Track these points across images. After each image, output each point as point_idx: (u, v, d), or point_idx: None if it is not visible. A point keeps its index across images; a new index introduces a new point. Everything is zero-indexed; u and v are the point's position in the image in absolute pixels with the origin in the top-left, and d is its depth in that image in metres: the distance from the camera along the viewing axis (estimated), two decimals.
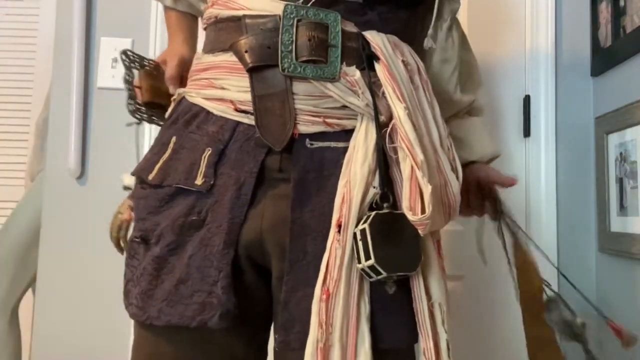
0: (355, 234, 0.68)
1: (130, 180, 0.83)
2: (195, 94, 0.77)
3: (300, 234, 0.70)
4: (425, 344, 0.71)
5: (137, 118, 0.96)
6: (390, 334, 0.70)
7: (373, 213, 0.68)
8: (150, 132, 1.43)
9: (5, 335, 1.63)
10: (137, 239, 0.75)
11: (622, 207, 1.27)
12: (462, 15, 1.49)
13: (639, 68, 1.23)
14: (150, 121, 0.97)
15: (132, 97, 0.94)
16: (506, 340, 1.42)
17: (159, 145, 0.78)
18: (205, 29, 0.82)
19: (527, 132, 1.45)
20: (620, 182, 1.29)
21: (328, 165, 0.72)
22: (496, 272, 1.43)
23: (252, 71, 0.72)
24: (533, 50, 1.46)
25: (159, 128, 0.86)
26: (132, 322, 1.37)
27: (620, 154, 1.29)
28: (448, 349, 0.72)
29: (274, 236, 0.71)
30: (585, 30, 1.47)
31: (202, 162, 0.72)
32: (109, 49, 1.45)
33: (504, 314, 1.42)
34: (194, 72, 0.81)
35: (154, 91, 0.93)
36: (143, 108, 0.95)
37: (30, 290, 1.71)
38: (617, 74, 1.33)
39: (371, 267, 0.66)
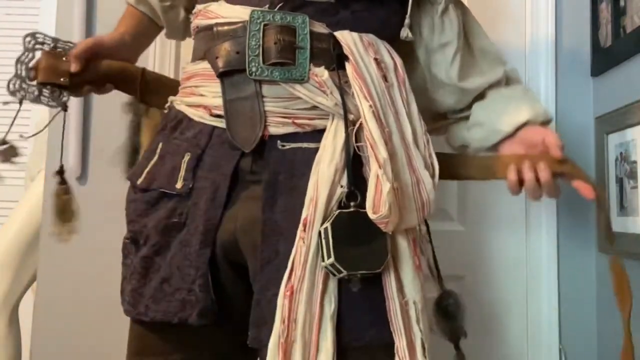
0: (319, 232, 0.69)
1: None
2: (180, 101, 0.82)
3: (271, 234, 0.73)
4: (398, 342, 0.71)
5: (16, 97, 0.98)
6: (354, 332, 0.70)
7: (337, 212, 0.70)
8: None
9: (5, 335, 1.63)
10: (128, 240, 0.82)
11: (622, 207, 1.27)
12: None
13: (639, 68, 1.23)
14: (36, 100, 0.97)
15: (18, 76, 0.96)
16: (506, 340, 1.42)
17: (149, 151, 0.83)
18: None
19: None
20: (620, 182, 1.29)
21: (299, 166, 0.73)
22: (496, 272, 1.43)
23: (223, 76, 0.75)
24: (533, 50, 1.46)
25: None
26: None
27: (620, 154, 1.29)
28: (423, 347, 0.73)
29: (247, 237, 0.74)
30: (585, 30, 1.47)
31: (182, 166, 0.77)
32: None
33: (504, 314, 1.43)
34: (182, 81, 0.85)
35: (49, 70, 0.92)
36: (30, 87, 0.97)
37: (30, 290, 1.71)
38: (617, 74, 1.33)
39: (332, 265, 0.68)
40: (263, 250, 0.72)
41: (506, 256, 1.44)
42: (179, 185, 0.76)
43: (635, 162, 1.22)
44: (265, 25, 0.74)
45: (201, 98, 0.78)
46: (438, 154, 0.80)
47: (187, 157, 0.76)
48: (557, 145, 0.90)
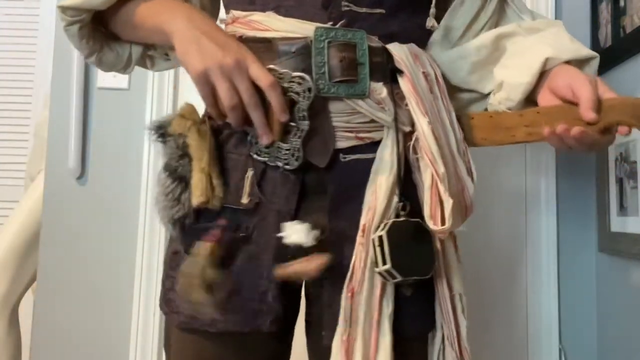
0: (373, 240, 0.72)
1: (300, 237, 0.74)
2: None
3: (337, 241, 0.76)
4: (448, 331, 0.80)
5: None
6: (408, 326, 0.77)
7: (390, 221, 0.73)
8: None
9: (5, 335, 1.63)
10: (176, 253, 0.79)
11: (622, 207, 1.27)
12: None
13: (639, 68, 1.23)
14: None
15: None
16: (506, 340, 1.42)
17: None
18: None
19: None
20: (620, 182, 1.29)
21: (359, 175, 0.76)
22: (496, 272, 1.43)
23: None
24: None
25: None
26: (131, 322, 1.38)
27: (620, 154, 1.29)
28: (464, 335, 0.84)
29: (315, 246, 0.75)
30: (585, 30, 1.47)
31: (245, 181, 0.76)
32: None
33: (504, 314, 1.43)
34: None
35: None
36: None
37: (30, 290, 1.71)
38: (617, 74, 1.33)
39: (387, 271, 0.71)
40: (331, 256, 0.74)
41: (506, 256, 1.44)
42: (245, 200, 0.75)
43: (635, 162, 1.22)
44: (329, 42, 0.74)
45: None
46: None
47: (250, 173, 0.76)
48: (588, 99, 0.73)
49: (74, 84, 1.42)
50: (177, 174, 0.76)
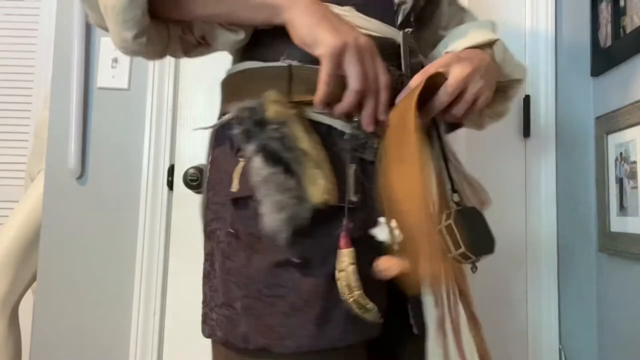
0: (441, 229, 0.73)
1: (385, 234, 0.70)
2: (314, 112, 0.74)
3: None
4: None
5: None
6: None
7: (453, 210, 0.76)
8: (150, 131, 1.43)
9: (5, 335, 1.63)
10: (282, 265, 0.68)
11: (622, 207, 1.27)
12: None
13: (639, 68, 1.23)
14: None
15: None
16: (506, 340, 1.42)
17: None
18: None
19: (527, 132, 1.45)
20: (620, 182, 1.29)
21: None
22: (496, 272, 1.43)
23: None
24: (533, 50, 1.46)
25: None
26: (131, 322, 1.38)
27: (620, 154, 1.29)
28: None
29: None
30: (585, 30, 1.47)
31: (349, 178, 0.71)
32: (109, 49, 1.45)
33: (504, 314, 1.43)
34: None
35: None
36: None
37: (30, 290, 1.71)
38: (617, 74, 1.33)
39: (462, 254, 0.76)
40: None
41: (506, 256, 1.44)
42: (354, 197, 0.70)
43: (635, 162, 1.22)
44: (408, 47, 0.78)
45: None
46: None
47: (352, 168, 0.71)
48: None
49: (74, 84, 1.42)
50: (289, 168, 0.66)
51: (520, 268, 1.43)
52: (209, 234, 0.76)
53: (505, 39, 1.47)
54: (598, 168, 1.39)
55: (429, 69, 0.73)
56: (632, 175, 1.23)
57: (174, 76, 1.46)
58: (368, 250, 0.68)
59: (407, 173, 0.67)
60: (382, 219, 0.70)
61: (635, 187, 1.22)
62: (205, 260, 0.76)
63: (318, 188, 0.66)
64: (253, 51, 0.77)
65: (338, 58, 0.65)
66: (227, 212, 0.71)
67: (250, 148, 0.67)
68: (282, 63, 0.72)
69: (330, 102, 0.68)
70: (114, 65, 1.45)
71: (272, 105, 0.68)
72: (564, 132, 1.45)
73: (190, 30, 0.79)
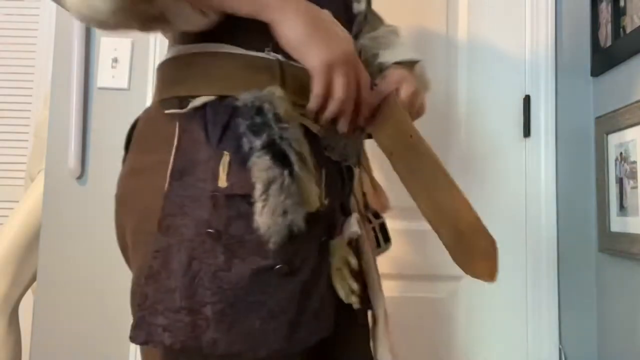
0: (374, 227, 0.89)
1: None
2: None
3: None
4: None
5: None
6: None
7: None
8: None
9: (5, 335, 1.63)
10: (270, 271, 0.66)
11: (622, 207, 1.27)
12: (462, 16, 1.50)
13: (639, 68, 1.23)
14: None
15: None
16: (507, 340, 1.42)
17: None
18: None
19: (527, 132, 1.45)
20: (620, 182, 1.29)
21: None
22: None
23: None
24: (533, 50, 1.46)
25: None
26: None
27: (620, 154, 1.29)
28: None
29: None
30: (585, 30, 1.47)
31: (322, 182, 0.73)
32: (109, 49, 1.45)
33: (504, 314, 1.43)
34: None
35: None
36: None
37: (30, 290, 1.71)
38: (617, 74, 1.33)
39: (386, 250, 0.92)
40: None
41: (506, 256, 1.44)
42: (326, 201, 0.71)
43: (635, 162, 1.22)
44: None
45: None
46: None
47: (323, 172, 0.74)
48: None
49: (74, 84, 1.42)
50: (292, 171, 0.65)
51: (520, 268, 1.43)
52: (165, 229, 0.66)
53: (506, 39, 1.48)
54: (598, 168, 1.39)
55: (384, 89, 0.81)
56: (632, 175, 1.23)
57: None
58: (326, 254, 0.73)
59: (440, 186, 0.75)
60: (353, 215, 0.76)
61: (635, 187, 1.22)
62: (154, 257, 0.66)
63: (314, 194, 0.66)
64: (227, 33, 0.71)
65: (330, 74, 0.67)
66: (203, 208, 0.65)
67: (257, 143, 0.64)
68: (268, 55, 0.69)
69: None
70: (114, 65, 1.45)
71: (281, 102, 0.66)
72: (564, 132, 1.45)
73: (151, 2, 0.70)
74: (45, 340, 1.40)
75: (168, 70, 0.74)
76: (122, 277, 1.41)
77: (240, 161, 0.65)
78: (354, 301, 0.74)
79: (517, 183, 1.45)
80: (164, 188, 0.67)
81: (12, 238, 1.65)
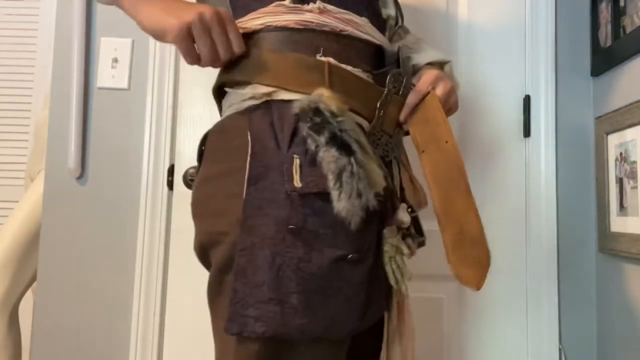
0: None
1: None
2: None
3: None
4: None
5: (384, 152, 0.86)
6: None
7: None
8: (150, 131, 1.43)
9: (5, 335, 1.63)
10: (342, 261, 0.74)
11: (622, 207, 1.27)
12: (463, 16, 1.50)
13: (639, 68, 1.23)
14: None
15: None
16: (507, 340, 1.42)
17: None
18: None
19: (527, 132, 1.45)
20: (620, 182, 1.29)
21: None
22: (496, 272, 1.43)
23: None
24: (533, 50, 1.46)
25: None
26: (131, 322, 1.39)
27: (620, 154, 1.29)
28: None
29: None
30: (585, 30, 1.47)
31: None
32: (109, 49, 1.45)
33: (504, 314, 1.43)
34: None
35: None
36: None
37: (30, 290, 1.71)
38: (617, 74, 1.33)
39: (422, 242, 0.94)
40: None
41: (506, 256, 1.44)
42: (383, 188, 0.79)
43: (635, 162, 1.22)
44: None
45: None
46: None
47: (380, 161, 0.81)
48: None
49: (74, 84, 1.42)
50: (357, 158, 0.74)
51: (520, 268, 1.43)
52: (247, 229, 0.74)
53: (506, 39, 1.48)
54: (598, 168, 1.39)
55: (422, 88, 0.87)
56: (632, 175, 1.23)
57: (174, 76, 1.46)
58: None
59: (460, 194, 0.83)
60: (402, 205, 0.84)
61: (635, 187, 1.22)
62: (240, 255, 0.74)
63: (378, 176, 0.75)
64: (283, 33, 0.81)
65: (186, 38, 0.74)
66: (281, 208, 0.73)
67: (322, 140, 0.73)
68: (320, 58, 0.79)
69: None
70: (114, 65, 1.45)
71: (332, 100, 0.74)
72: (564, 132, 1.45)
73: None
74: (45, 340, 1.40)
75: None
76: (122, 277, 1.41)
77: (310, 161, 0.73)
78: (405, 287, 0.82)
79: (517, 183, 1.45)
80: (237, 191, 0.75)
81: (12, 238, 1.65)
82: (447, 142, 0.84)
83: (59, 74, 1.46)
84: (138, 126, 1.44)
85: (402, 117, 0.86)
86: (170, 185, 1.43)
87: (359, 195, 0.72)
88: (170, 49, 1.46)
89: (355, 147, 0.73)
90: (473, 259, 0.82)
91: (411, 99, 0.86)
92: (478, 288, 0.82)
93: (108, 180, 1.43)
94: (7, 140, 2.41)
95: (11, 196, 2.31)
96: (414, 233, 0.88)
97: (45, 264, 1.42)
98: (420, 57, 0.97)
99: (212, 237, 0.79)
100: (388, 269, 0.79)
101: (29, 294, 1.73)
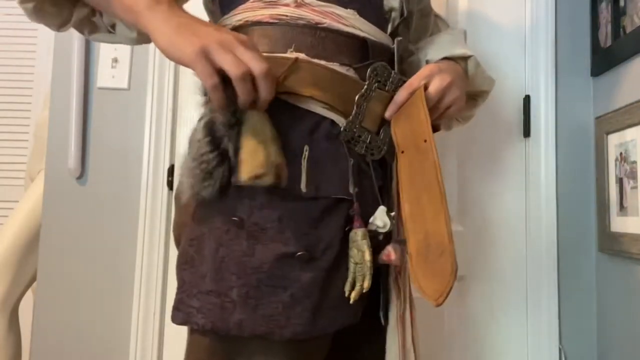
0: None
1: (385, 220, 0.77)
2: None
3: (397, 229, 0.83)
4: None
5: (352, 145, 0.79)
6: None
7: None
8: (150, 131, 1.43)
9: (5, 335, 1.63)
10: (289, 257, 0.70)
11: (622, 207, 1.27)
12: (463, 16, 1.50)
13: (639, 68, 1.23)
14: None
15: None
16: (506, 340, 1.42)
17: (292, 155, 0.74)
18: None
19: (527, 132, 1.45)
20: (620, 182, 1.29)
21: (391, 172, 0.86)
22: (496, 272, 1.43)
23: None
24: (533, 50, 1.46)
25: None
26: (131, 322, 1.38)
27: (620, 154, 1.29)
28: None
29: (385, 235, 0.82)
30: (585, 30, 1.47)
31: (349, 171, 0.76)
32: (109, 49, 1.45)
33: (504, 314, 1.43)
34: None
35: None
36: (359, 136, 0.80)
37: (30, 290, 1.71)
38: (617, 74, 1.33)
39: None
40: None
41: (506, 256, 1.44)
42: (352, 190, 0.75)
43: (635, 162, 1.22)
44: (400, 53, 0.89)
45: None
46: None
47: (351, 162, 0.76)
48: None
49: (74, 84, 1.42)
50: (220, 143, 0.69)
51: (521, 268, 1.43)
52: (200, 220, 0.74)
53: (505, 39, 1.48)
54: (598, 168, 1.39)
55: (414, 83, 0.81)
56: (632, 175, 1.23)
57: (174, 76, 1.46)
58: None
59: (432, 198, 0.76)
60: (380, 207, 0.77)
61: (635, 187, 1.22)
62: (190, 245, 0.74)
63: (253, 162, 0.68)
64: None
65: (206, 60, 0.65)
66: (228, 199, 0.71)
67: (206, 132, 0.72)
68: (290, 55, 0.75)
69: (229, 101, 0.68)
70: (114, 65, 1.45)
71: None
72: (564, 132, 1.45)
73: (100, 15, 0.82)
74: (45, 340, 1.40)
75: None
76: (122, 277, 1.41)
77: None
78: (352, 297, 0.73)
79: (517, 183, 1.45)
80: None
81: (12, 238, 1.65)
82: (425, 141, 0.78)
83: (59, 74, 1.46)
84: (138, 126, 1.44)
85: (387, 113, 0.81)
86: (170, 185, 1.43)
87: (193, 176, 0.70)
88: None
89: (222, 131, 0.69)
90: (436, 270, 0.74)
91: (400, 95, 0.80)
92: (438, 304, 0.73)
93: (108, 180, 1.43)
94: (7, 140, 2.41)
95: (11, 196, 2.31)
96: (402, 239, 0.81)
97: (45, 264, 1.42)
98: (434, 52, 0.91)
99: (179, 229, 0.81)
100: (350, 274, 0.73)
101: (29, 294, 1.72)
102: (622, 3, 1.30)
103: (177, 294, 0.73)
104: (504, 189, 1.45)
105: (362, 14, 0.81)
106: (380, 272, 0.82)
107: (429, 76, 0.82)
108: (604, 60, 1.38)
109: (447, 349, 1.43)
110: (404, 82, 0.82)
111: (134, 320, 1.40)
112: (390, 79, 0.81)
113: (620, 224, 1.28)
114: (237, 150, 0.69)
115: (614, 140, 1.32)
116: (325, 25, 0.78)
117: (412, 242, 0.76)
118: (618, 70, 1.32)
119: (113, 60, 1.45)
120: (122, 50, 1.45)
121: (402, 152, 0.80)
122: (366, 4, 0.83)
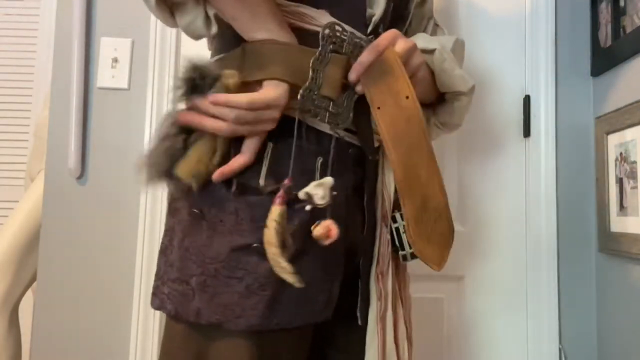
0: (394, 228, 0.81)
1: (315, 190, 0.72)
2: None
3: (370, 228, 0.83)
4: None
5: (312, 114, 0.74)
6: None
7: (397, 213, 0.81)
8: (150, 131, 1.43)
9: (5, 335, 1.63)
10: (245, 249, 0.71)
11: (622, 207, 1.27)
12: (462, 15, 1.50)
13: (639, 68, 1.23)
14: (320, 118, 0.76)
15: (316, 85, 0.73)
16: (507, 340, 1.42)
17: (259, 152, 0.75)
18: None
19: (527, 132, 1.45)
20: (620, 182, 1.29)
21: (374, 171, 0.84)
22: (496, 272, 1.43)
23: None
24: (533, 50, 1.46)
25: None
26: (131, 322, 1.38)
27: (620, 154, 1.29)
28: None
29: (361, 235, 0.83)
30: (585, 30, 1.47)
31: (316, 170, 0.76)
32: (109, 49, 1.45)
33: (504, 314, 1.43)
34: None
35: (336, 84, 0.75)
36: (320, 103, 0.74)
37: (30, 290, 1.71)
38: (617, 74, 1.33)
39: (412, 255, 0.80)
40: (366, 242, 0.82)
41: (506, 256, 1.44)
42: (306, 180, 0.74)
43: (635, 162, 1.22)
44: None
45: None
46: None
47: (319, 161, 0.75)
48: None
49: (74, 84, 1.42)
50: (189, 136, 0.72)
51: (520, 268, 1.43)
52: (172, 211, 0.79)
53: (505, 39, 1.48)
54: (598, 168, 1.39)
55: (381, 43, 0.76)
56: (632, 175, 1.23)
57: (174, 76, 1.46)
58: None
59: (422, 158, 0.74)
60: (313, 182, 0.72)
61: (635, 187, 1.22)
62: (165, 235, 0.79)
63: (190, 165, 0.71)
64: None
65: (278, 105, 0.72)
66: (193, 193, 0.74)
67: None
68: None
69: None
70: (114, 65, 1.45)
71: (232, 76, 0.72)
72: (564, 132, 1.45)
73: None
74: (45, 340, 1.40)
75: None
76: (122, 277, 1.41)
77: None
78: (292, 280, 0.68)
79: (517, 183, 1.45)
80: None
81: (12, 238, 1.65)
82: (407, 97, 0.73)
83: (59, 74, 1.46)
84: (138, 126, 1.44)
85: (352, 75, 0.74)
86: None
87: (157, 155, 0.72)
88: (170, 49, 1.46)
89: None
90: (435, 235, 0.75)
91: (365, 56, 0.74)
92: (439, 267, 0.76)
93: (108, 180, 1.43)
94: (7, 140, 2.41)
95: (11, 196, 2.31)
96: (397, 246, 0.81)
97: (45, 264, 1.42)
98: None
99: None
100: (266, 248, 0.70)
101: (29, 294, 1.72)
102: (622, 3, 1.30)
103: (154, 280, 0.78)
104: (504, 189, 1.45)
105: (336, 14, 0.78)
106: (360, 273, 0.82)
107: (394, 38, 0.78)
108: (604, 60, 1.38)
109: (447, 349, 1.44)
110: (362, 45, 0.76)
111: (134, 320, 1.40)
112: (347, 41, 0.74)
113: (620, 224, 1.28)
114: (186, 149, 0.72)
115: (614, 140, 1.32)
116: (292, 25, 0.76)
117: (409, 208, 0.76)
118: (618, 70, 1.32)
119: (113, 60, 1.45)
120: (122, 50, 1.45)
121: (378, 108, 0.75)
122: (345, 5, 0.80)
